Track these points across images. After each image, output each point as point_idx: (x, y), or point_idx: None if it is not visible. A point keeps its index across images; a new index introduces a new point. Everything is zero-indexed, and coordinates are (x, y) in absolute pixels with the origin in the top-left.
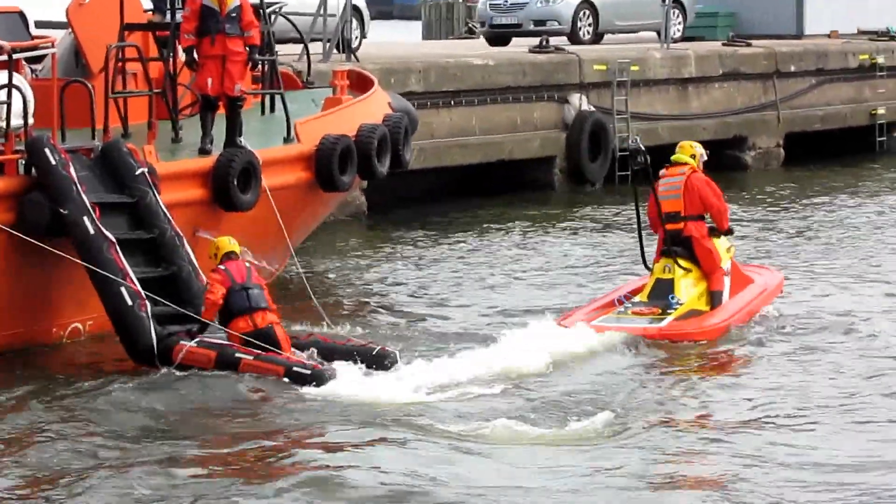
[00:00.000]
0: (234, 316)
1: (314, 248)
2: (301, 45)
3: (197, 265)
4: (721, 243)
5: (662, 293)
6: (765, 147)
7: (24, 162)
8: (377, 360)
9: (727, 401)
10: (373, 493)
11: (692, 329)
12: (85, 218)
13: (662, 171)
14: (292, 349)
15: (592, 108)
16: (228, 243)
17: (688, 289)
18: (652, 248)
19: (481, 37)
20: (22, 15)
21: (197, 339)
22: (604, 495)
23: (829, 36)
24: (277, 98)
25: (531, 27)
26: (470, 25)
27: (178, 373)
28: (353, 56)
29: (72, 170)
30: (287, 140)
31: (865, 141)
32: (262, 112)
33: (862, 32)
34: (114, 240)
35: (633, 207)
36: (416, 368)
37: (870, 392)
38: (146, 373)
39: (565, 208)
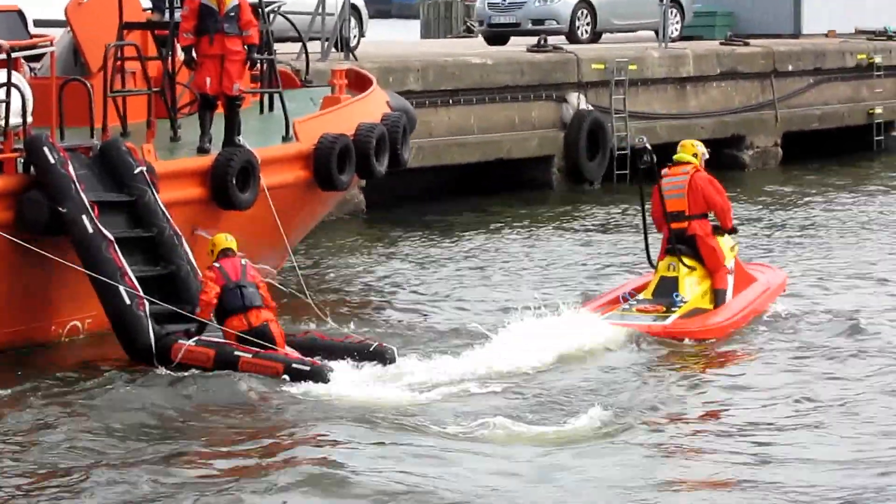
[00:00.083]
0: (229, 314)
1: (313, 246)
2: (299, 44)
3: (195, 264)
4: (725, 242)
5: (667, 291)
6: (762, 146)
7: (22, 160)
8: (375, 357)
9: (728, 400)
10: (372, 492)
11: (696, 327)
12: (84, 216)
13: (665, 171)
14: (287, 346)
15: (591, 108)
16: (225, 240)
17: (692, 287)
18: (656, 247)
19: (479, 36)
20: (21, 13)
21: (195, 338)
22: (603, 494)
23: (826, 35)
24: (276, 97)
25: (529, 26)
26: (468, 24)
27: (176, 372)
28: (351, 55)
29: (70, 168)
30: (286, 139)
31: (863, 140)
32: (261, 111)
33: (859, 32)
34: (112, 238)
35: (633, 207)
36: (414, 366)
37: (870, 392)
38: (145, 371)
39: (563, 207)
